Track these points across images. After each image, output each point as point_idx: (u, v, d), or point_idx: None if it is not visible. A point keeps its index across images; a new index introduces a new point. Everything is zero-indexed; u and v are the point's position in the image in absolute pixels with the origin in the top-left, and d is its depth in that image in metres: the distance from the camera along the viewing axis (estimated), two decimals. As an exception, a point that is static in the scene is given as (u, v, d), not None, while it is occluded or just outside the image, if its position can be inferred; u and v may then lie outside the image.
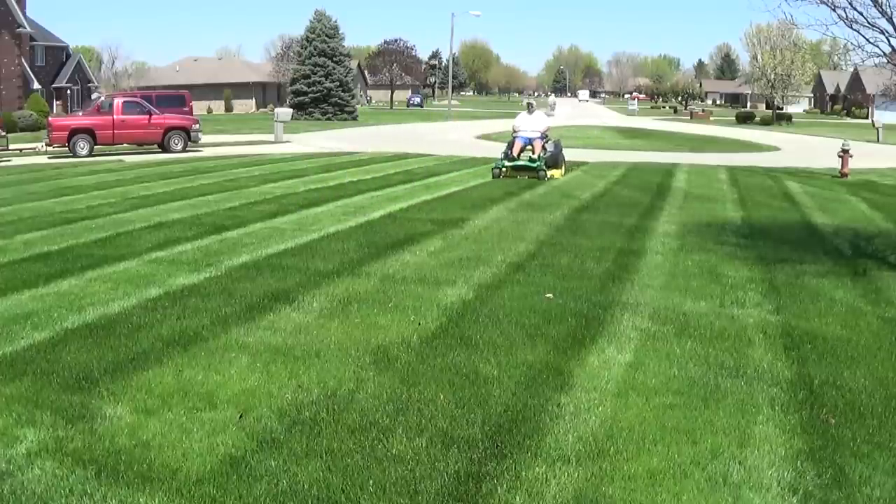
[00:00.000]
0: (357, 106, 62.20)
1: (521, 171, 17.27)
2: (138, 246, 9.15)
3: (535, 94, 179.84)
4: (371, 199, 13.70)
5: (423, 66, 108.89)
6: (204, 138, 28.03)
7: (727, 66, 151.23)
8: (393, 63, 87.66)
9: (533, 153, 17.56)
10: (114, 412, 4.37)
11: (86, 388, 4.71)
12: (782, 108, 66.22)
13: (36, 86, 45.96)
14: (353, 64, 74.31)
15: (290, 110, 37.28)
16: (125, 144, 26.26)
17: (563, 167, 18.46)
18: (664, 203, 14.17)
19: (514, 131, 18.37)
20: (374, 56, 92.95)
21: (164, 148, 26.12)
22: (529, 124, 18.33)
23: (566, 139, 31.47)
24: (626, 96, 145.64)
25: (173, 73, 76.86)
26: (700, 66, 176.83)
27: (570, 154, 20.03)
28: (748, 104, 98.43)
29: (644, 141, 37.51)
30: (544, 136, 18.22)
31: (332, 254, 8.73)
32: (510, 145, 18.06)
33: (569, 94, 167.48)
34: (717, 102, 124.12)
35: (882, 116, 44.27)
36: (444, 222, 11.15)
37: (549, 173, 17.30)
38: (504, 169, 17.32)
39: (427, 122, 54.35)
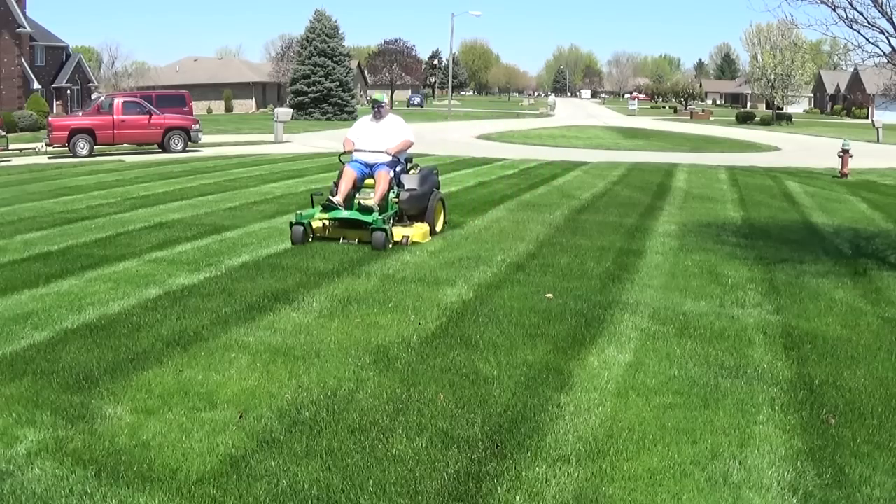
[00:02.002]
0: (357, 106, 62.22)
1: (347, 227, 9.35)
2: (138, 246, 9.15)
3: (535, 93, 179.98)
4: (371, 199, 13.67)
5: (423, 66, 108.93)
6: (204, 138, 28.02)
7: (727, 66, 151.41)
8: (393, 63, 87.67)
9: (374, 196, 9.34)
10: (114, 412, 4.37)
11: (86, 388, 4.71)
12: (782, 108, 66.21)
13: (36, 86, 45.96)
14: (353, 64, 74.31)
15: (290, 110, 37.29)
16: (125, 144, 26.26)
17: (441, 219, 10.33)
18: (664, 203, 14.18)
19: (345, 151, 10.08)
20: (374, 56, 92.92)
21: (164, 148, 26.12)
22: (372, 138, 9.81)
23: (566, 139, 31.35)
24: (626, 96, 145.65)
25: (173, 73, 76.89)
26: (700, 66, 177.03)
27: (570, 154, 19.14)
28: (748, 104, 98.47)
29: (644, 141, 37.51)
30: (396, 163, 9.80)
31: (332, 254, 8.73)
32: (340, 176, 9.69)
33: (569, 94, 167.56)
34: (717, 102, 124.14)
35: (882, 116, 44.23)
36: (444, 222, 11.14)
37: (400, 234, 9.25)
38: (314, 225, 9.42)
39: (427, 121, 54.33)
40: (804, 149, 34.13)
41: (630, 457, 3.95)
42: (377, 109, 9.99)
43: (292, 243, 9.10)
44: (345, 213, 9.24)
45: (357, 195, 9.54)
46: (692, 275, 8.11)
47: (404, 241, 9.13)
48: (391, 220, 9.31)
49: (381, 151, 9.64)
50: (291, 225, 9.30)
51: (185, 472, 3.70)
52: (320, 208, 9.37)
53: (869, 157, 27.04)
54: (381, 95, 10.23)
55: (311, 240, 9.26)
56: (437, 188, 10.23)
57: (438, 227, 10.11)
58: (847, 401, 4.75)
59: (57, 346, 5.45)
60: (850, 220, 12.79)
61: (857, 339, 6.03)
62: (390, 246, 8.95)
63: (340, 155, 10.42)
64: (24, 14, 45.38)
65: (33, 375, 4.90)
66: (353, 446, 4.00)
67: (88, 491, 3.52)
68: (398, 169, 9.74)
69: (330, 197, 9.33)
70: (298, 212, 9.44)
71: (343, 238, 9.26)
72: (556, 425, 4.31)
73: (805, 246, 10.16)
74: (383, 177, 9.39)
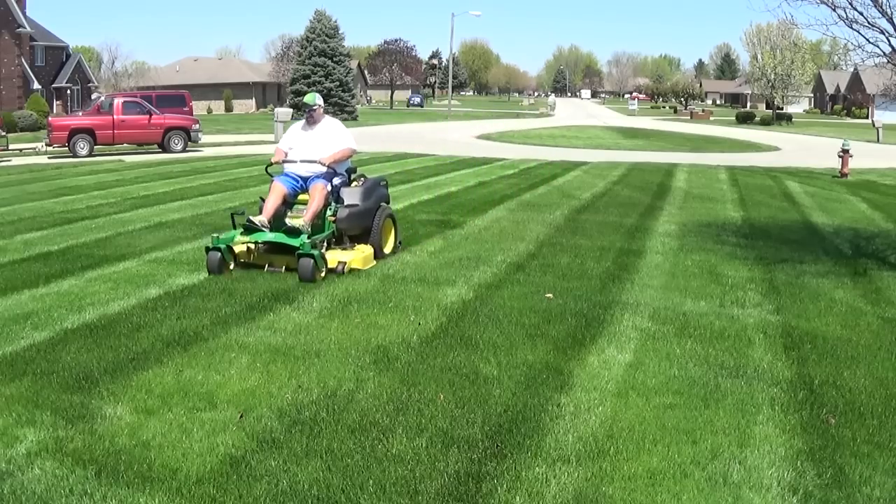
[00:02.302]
0: (357, 106, 62.22)
1: (275, 251, 7.89)
2: (138, 246, 9.15)
3: (535, 93, 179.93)
4: (371, 199, 13.67)
5: (423, 66, 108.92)
6: (204, 138, 28.02)
7: (727, 66, 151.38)
8: (393, 63, 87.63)
9: (305, 214, 7.87)
10: (114, 412, 4.37)
11: (86, 388, 4.71)
12: (782, 108, 66.22)
13: (36, 86, 45.96)
14: (353, 64, 74.32)
15: (291, 110, 37.19)
16: (125, 144, 26.26)
17: (392, 239, 8.87)
18: (664, 203, 14.18)
19: (274, 162, 8.55)
20: (374, 56, 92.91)
21: (164, 148, 26.12)
22: (305, 147, 8.39)
23: (566, 139, 31.36)
24: (626, 96, 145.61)
25: (173, 73, 76.87)
26: (700, 66, 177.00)
27: (570, 154, 19.08)
28: (748, 104, 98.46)
29: (644, 141, 37.51)
30: (334, 175, 8.33)
31: (332, 254, 8.72)
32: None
33: (569, 94, 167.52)
34: (717, 102, 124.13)
35: (882, 116, 44.24)
36: (443, 222, 11.16)
37: (335, 260, 7.80)
38: (236, 250, 7.90)
39: (427, 121, 54.36)
40: (804, 149, 34.13)
41: (630, 457, 3.95)
42: (309, 113, 8.47)
43: (208, 272, 7.59)
44: (269, 236, 7.69)
45: (289, 213, 8.12)
46: (692, 275, 8.11)
47: (340, 268, 7.69)
48: (325, 243, 7.94)
49: (316, 162, 8.19)
50: (207, 250, 7.71)
51: (185, 472, 3.70)
52: (241, 230, 7.82)
53: (869, 157, 27.04)
54: (314, 96, 8.54)
55: (232, 267, 7.76)
56: (387, 202, 8.87)
57: (387, 249, 8.69)
58: (847, 401, 4.75)
59: (57, 346, 5.45)
60: (850, 220, 12.79)
61: (857, 339, 6.03)
62: (322, 276, 7.47)
63: (268, 166, 8.70)
64: (24, 14, 45.38)
65: (33, 375, 4.90)
66: (353, 446, 4.00)
67: (88, 491, 3.52)
68: (337, 182, 8.28)
69: (250, 217, 7.78)
70: (215, 234, 7.86)
71: (269, 265, 7.80)
72: (556, 425, 4.31)
73: (805, 246, 10.16)
74: (318, 191, 7.93)
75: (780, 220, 12.61)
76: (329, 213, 8.05)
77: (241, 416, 4.33)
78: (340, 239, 8.22)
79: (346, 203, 8.16)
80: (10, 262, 8.28)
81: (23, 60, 44.77)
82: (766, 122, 61.06)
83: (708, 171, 21.79)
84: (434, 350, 5.52)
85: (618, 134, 43.11)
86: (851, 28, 9.40)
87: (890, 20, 9.08)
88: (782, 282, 7.90)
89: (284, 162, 8.41)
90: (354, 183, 8.53)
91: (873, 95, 60.75)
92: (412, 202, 13.29)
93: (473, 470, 3.78)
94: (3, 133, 27.47)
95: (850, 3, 9.26)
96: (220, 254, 7.64)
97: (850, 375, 5.19)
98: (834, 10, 9.46)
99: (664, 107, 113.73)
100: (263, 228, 7.74)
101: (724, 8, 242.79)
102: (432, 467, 3.79)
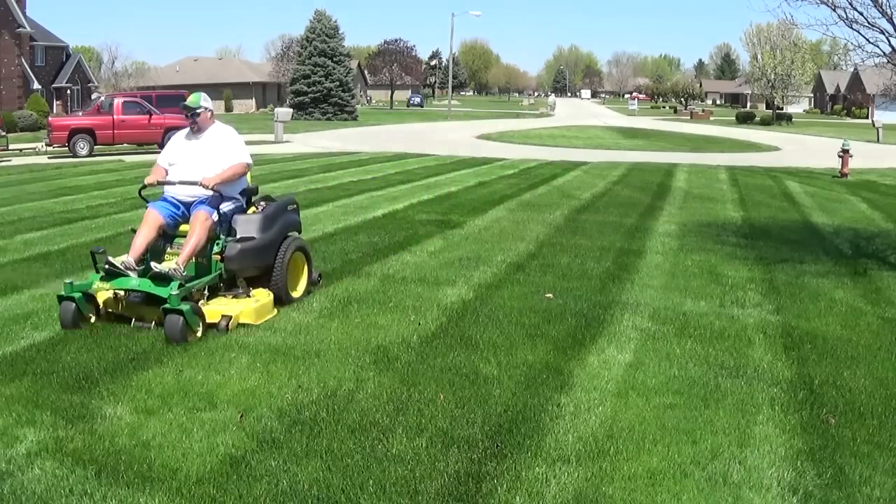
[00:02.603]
0: (357, 106, 62.23)
1: (134, 308, 6.04)
2: (138, 246, 9.13)
3: (535, 93, 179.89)
4: (371, 199, 13.70)
5: (423, 66, 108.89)
6: (204, 138, 27.99)
7: (727, 66, 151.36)
8: (393, 63, 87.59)
9: (180, 256, 6.07)
10: (114, 412, 4.37)
11: (86, 388, 4.71)
12: (782, 108, 66.23)
13: (36, 86, 45.96)
14: (353, 64, 74.30)
15: (290, 110, 37.26)
16: (125, 144, 26.26)
17: (304, 278, 7.01)
18: (664, 203, 14.18)
19: (147, 183, 6.70)
20: (374, 56, 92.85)
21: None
22: (188, 163, 6.56)
23: (566, 139, 31.31)
24: (627, 96, 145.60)
25: (173, 73, 76.86)
26: (700, 66, 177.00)
27: (570, 154, 19.00)
28: (748, 104, 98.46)
29: (644, 141, 37.51)
30: (221, 200, 6.46)
31: (332, 254, 8.73)
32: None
33: (569, 94, 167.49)
34: (717, 102, 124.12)
35: (882, 116, 44.22)
36: (444, 222, 11.16)
37: (217, 314, 6.00)
38: (100, 298, 6.14)
39: (427, 121, 54.35)
40: (804, 149, 34.13)
41: (630, 457, 3.95)
42: (193, 119, 6.49)
43: (62, 326, 5.87)
44: (133, 282, 5.87)
45: (169, 249, 6.26)
46: (692, 275, 8.11)
47: (223, 323, 5.84)
48: (207, 290, 6.14)
49: (192, 184, 6.29)
50: (59, 300, 5.94)
51: (185, 472, 3.70)
52: (101, 278, 5.96)
53: (869, 157, 27.05)
54: (198, 96, 6.54)
55: (93, 320, 6.00)
56: (298, 230, 7.04)
57: (297, 292, 6.75)
58: (847, 401, 4.75)
59: (57, 346, 5.45)
60: (850, 220, 12.79)
61: (857, 339, 6.03)
62: (197, 336, 5.65)
63: (141, 189, 6.72)
64: (24, 14, 45.38)
65: (33, 375, 4.90)
66: (353, 446, 4.00)
67: (88, 491, 3.52)
68: (227, 208, 6.38)
69: (109, 258, 5.93)
70: (68, 281, 5.99)
71: (136, 319, 5.97)
72: (556, 425, 4.31)
73: (805, 246, 10.16)
74: (199, 222, 6.09)
75: (780, 220, 12.61)
76: (217, 249, 6.19)
77: (241, 416, 4.33)
78: (233, 282, 6.33)
79: (238, 236, 6.26)
80: (10, 261, 8.29)
81: (23, 60, 44.78)
82: (766, 122, 61.07)
83: (708, 171, 21.79)
84: (434, 350, 5.52)
85: (618, 134, 43.11)
86: (851, 28, 9.41)
87: (890, 20, 9.08)
88: (782, 282, 7.90)
89: (162, 184, 6.55)
90: (252, 209, 6.64)
91: (873, 95, 60.75)
92: (412, 202, 13.29)
93: (473, 470, 3.78)
94: (3, 133, 27.48)
95: (850, 3, 9.27)
96: (74, 304, 5.84)
97: (850, 375, 5.19)
98: (834, 10, 9.46)
99: (664, 107, 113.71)
100: (128, 272, 5.90)
101: (724, 8, 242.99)
102: (432, 467, 3.79)
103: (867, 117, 65.58)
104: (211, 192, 6.30)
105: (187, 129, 6.67)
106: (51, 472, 3.69)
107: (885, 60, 9.84)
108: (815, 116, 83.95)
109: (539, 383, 4.93)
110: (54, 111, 46.36)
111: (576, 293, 7.18)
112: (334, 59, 59.68)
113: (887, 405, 4.68)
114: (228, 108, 73.49)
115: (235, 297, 6.26)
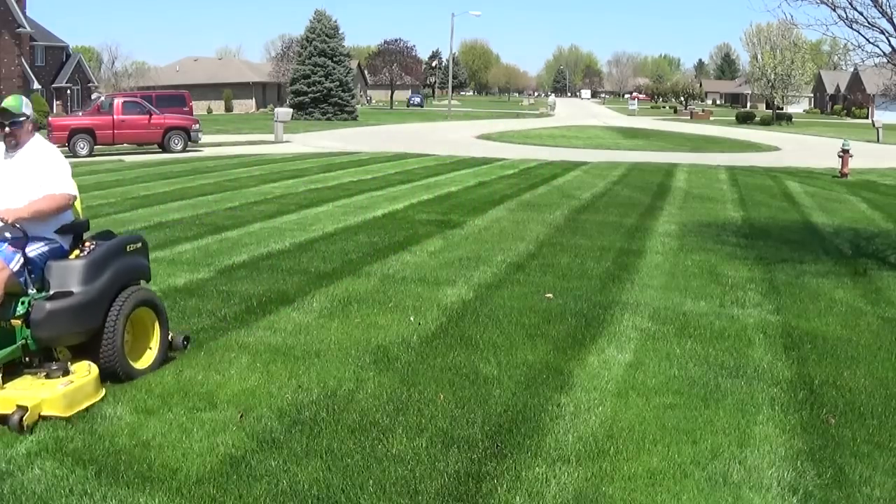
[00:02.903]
0: (357, 106, 62.24)
1: None
2: (138, 246, 9.13)
3: (535, 93, 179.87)
4: (371, 199, 13.70)
5: (423, 66, 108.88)
6: (204, 138, 28.01)
7: (727, 66, 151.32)
8: (393, 63, 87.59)
9: None
10: (114, 412, 4.37)
11: (86, 388, 4.70)
12: (782, 108, 66.22)
13: (36, 86, 45.97)
14: (353, 64, 74.30)
15: (290, 110, 37.27)
16: (125, 144, 26.26)
17: (157, 346, 5.10)
18: (664, 203, 14.18)
19: None
20: (374, 56, 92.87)
21: (164, 148, 26.11)
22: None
23: (566, 139, 31.31)
24: (627, 96, 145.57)
25: (173, 73, 76.87)
26: (700, 66, 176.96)
27: (569, 154, 18.92)
28: (748, 104, 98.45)
29: (644, 141, 37.51)
30: (29, 241, 4.57)
31: (332, 254, 8.73)
32: None
33: (569, 94, 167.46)
34: (717, 102, 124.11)
35: (882, 116, 44.22)
36: (444, 222, 11.16)
37: (11, 403, 4.11)
38: None
39: (427, 121, 54.36)
40: (804, 149, 34.13)
41: (630, 457, 3.95)
42: (10, 132, 4.78)
43: None
44: None
45: None
46: (692, 275, 8.11)
47: (15, 417, 4.08)
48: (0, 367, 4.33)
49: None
50: None
51: (185, 472, 3.70)
52: None
53: (869, 157, 27.04)
54: (19, 100, 4.88)
55: None
56: (146, 278, 5.33)
57: (142, 363, 5.02)
58: (847, 401, 4.75)
59: (57, 346, 5.44)
60: (850, 220, 12.79)
61: (857, 339, 6.03)
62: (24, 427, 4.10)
63: None
64: (24, 14, 45.40)
65: (33, 375, 4.88)
66: (353, 446, 4.00)
67: (88, 491, 3.52)
68: (37, 252, 4.68)
69: None
70: None
71: None
72: (556, 425, 4.31)
73: (805, 246, 10.16)
74: None
75: (780, 220, 12.61)
76: (20, 310, 4.48)
77: (241, 416, 4.33)
78: (50, 353, 4.68)
79: (51, 290, 4.60)
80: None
81: (23, 60, 44.79)
82: (766, 122, 61.06)
83: (708, 171, 21.79)
84: (434, 350, 5.52)
85: (618, 134, 43.10)
86: (851, 28, 9.41)
87: (890, 20, 9.08)
88: (782, 282, 7.90)
89: None
90: (76, 252, 4.90)
91: (873, 95, 60.74)
92: (412, 202, 13.29)
93: (473, 470, 3.78)
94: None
95: (850, 3, 9.27)
96: None
97: (850, 375, 5.19)
98: (834, 10, 9.47)
99: (664, 107, 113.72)
100: None
101: (724, 8, 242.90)
102: (432, 467, 3.79)
103: (867, 117, 65.58)
104: (13, 229, 4.53)
105: (2, 148, 4.88)
106: (51, 471, 3.69)
107: (885, 60, 9.84)
108: (815, 116, 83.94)
109: (539, 383, 4.93)
110: (54, 111, 46.37)
111: (576, 293, 7.18)
112: (334, 59, 59.68)
113: (887, 405, 4.68)
114: (228, 108, 73.53)
115: (48, 374, 4.46)
